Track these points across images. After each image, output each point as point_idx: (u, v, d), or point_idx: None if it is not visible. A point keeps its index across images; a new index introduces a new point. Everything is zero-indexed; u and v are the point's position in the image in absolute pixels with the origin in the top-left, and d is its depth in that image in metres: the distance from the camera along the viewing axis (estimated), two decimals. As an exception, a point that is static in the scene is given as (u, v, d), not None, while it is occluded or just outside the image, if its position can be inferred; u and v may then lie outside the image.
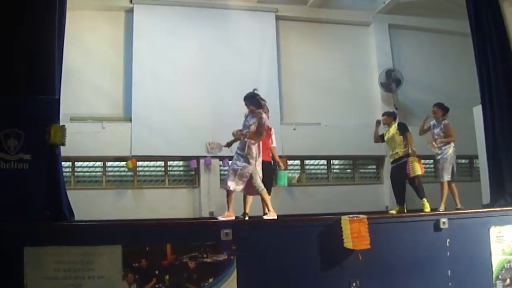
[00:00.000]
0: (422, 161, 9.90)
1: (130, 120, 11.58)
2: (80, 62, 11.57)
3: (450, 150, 9.48)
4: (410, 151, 9.47)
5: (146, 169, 12.19)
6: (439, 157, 9.64)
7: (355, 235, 6.68)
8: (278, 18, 13.47)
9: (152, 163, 12.26)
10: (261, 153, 8.17)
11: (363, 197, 12.71)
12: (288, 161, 12.18)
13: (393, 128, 9.90)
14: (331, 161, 13.54)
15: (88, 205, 10.25)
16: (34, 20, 7.04)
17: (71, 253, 6.05)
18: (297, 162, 13.13)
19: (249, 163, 7.91)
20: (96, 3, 12.22)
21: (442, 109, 9.82)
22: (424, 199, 9.42)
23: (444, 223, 7.30)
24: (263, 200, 8.33)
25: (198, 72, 12.37)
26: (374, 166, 13.75)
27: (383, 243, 6.98)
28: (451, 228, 7.34)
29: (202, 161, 12.06)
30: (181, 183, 12.33)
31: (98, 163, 11.78)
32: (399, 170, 9.61)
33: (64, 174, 8.20)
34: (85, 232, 6.42)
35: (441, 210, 9.10)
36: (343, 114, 13.20)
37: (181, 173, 12.52)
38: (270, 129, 8.94)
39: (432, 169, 13.55)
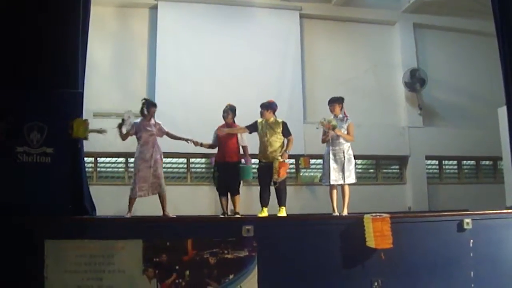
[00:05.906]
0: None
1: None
2: (104, 58, 11.71)
3: (350, 150, 9.02)
4: (285, 155, 8.80)
5: (168, 165, 12.14)
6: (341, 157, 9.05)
7: (377, 234, 6.65)
8: (302, 16, 13.40)
9: (174, 159, 12.24)
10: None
11: (385, 197, 12.58)
12: (310, 160, 12.10)
13: (275, 124, 9.11)
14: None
15: (110, 201, 10.27)
16: (58, 15, 7.09)
17: (91, 246, 6.11)
18: (320, 161, 12.98)
19: None
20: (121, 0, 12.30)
21: (338, 102, 9.42)
22: (283, 207, 8.58)
23: (467, 223, 7.25)
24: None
25: (221, 70, 12.37)
26: (397, 167, 13.59)
27: (406, 243, 6.94)
28: (474, 229, 7.28)
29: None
30: (203, 180, 12.33)
31: (120, 159, 11.84)
32: (269, 170, 8.73)
33: (86, 169, 8.23)
34: (106, 226, 6.46)
35: (344, 214, 8.43)
36: (366, 113, 13.05)
37: (203, 170, 12.52)
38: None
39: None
